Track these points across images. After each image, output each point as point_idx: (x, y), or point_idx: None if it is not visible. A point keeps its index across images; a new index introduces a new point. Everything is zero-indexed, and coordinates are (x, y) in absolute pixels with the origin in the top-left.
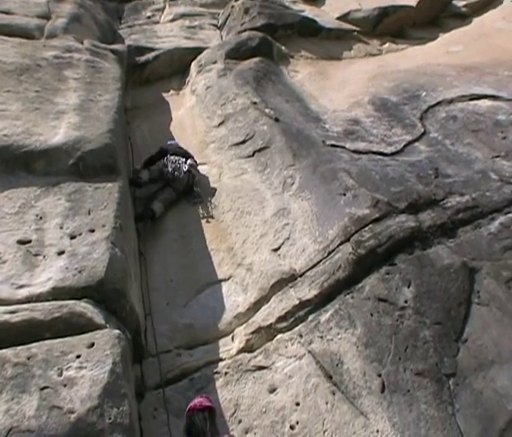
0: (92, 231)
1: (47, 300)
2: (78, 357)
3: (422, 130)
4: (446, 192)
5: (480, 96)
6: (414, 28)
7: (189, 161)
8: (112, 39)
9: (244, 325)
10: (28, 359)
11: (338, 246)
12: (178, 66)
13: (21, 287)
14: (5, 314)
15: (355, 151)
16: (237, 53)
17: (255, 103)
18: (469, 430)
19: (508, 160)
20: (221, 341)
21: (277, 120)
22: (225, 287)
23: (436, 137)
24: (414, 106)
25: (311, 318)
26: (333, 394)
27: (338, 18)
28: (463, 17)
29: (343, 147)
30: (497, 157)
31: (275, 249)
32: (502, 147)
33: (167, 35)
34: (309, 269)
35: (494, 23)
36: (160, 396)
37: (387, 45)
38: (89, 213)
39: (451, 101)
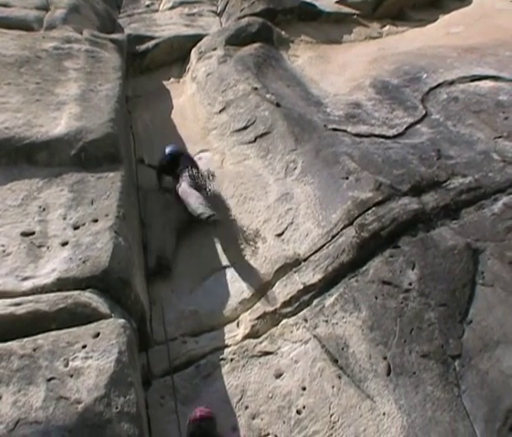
0: (95, 221)
1: (52, 292)
2: (84, 347)
3: (423, 112)
4: (449, 173)
5: (481, 77)
6: (413, 10)
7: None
8: (111, 29)
9: (249, 311)
10: (34, 350)
11: (341, 230)
12: (178, 53)
13: (25, 279)
14: (11, 306)
15: (357, 135)
16: (237, 39)
17: (256, 88)
18: (475, 410)
19: (511, 141)
20: (227, 328)
21: (278, 105)
22: (230, 273)
23: (438, 119)
24: (416, 89)
25: (315, 302)
26: (339, 378)
27: (337, 2)
28: None
29: (345, 131)
30: (500, 137)
31: (279, 234)
32: (504, 127)
33: (166, 22)
34: (313, 254)
35: (494, 3)
36: (167, 384)
37: (387, 27)
38: (92, 203)
39: (452, 82)
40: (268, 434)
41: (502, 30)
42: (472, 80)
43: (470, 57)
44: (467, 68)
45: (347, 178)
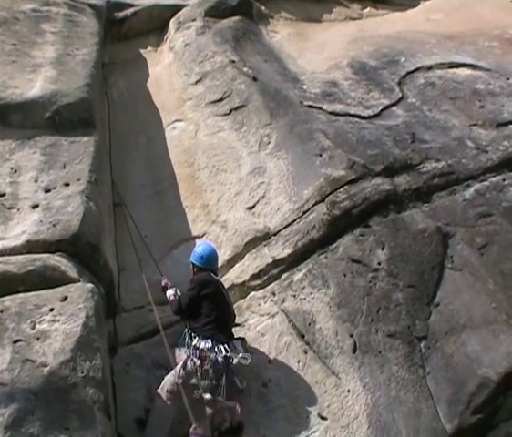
0: (67, 185)
1: (21, 254)
2: (52, 310)
3: (400, 95)
4: (423, 157)
5: (459, 65)
6: None
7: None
8: None
9: None
10: (1, 312)
11: (313, 206)
12: (156, 22)
13: None
14: None
15: (332, 113)
16: (216, 11)
17: (233, 61)
18: (440, 392)
19: (485, 129)
20: None
21: (255, 79)
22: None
23: (414, 103)
24: (393, 71)
25: (284, 276)
26: (305, 353)
27: None
28: None
29: (321, 109)
30: (474, 125)
31: (250, 208)
32: (479, 115)
33: None
34: (283, 228)
35: None
36: (133, 351)
37: (368, 9)
38: (64, 167)
39: (430, 68)
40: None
41: (482, 20)
42: (450, 67)
43: (449, 45)
44: (446, 55)
45: (321, 155)
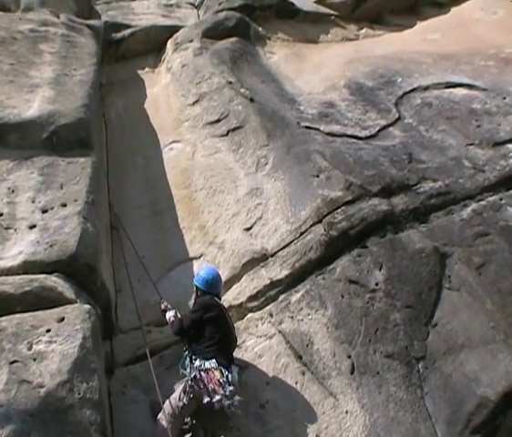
0: (64, 206)
1: (18, 274)
2: (48, 331)
3: (397, 115)
4: (420, 177)
5: (456, 85)
6: (391, 15)
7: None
8: (88, 14)
9: None
10: None
11: (310, 227)
12: (154, 43)
13: None
14: None
15: (330, 134)
16: (214, 32)
17: (231, 82)
18: (438, 413)
19: (482, 148)
20: None
21: (252, 100)
22: (196, 265)
23: (411, 123)
24: (390, 92)
25: (281, 298)
26: (303, 374)
27: (316, 2)
28: (441, 6)
29: (318, 129)
30: (471, 144)
31: (247, 229)
32: (476, 135)
33: (143, 12)
34: (281, 250)
35: (472, 13)
36: (130, 373)
37: (364, 30)
38: (62, 187)
39: (427, 88)
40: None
41: (478, 39)
42: (446, 87)
43: (445, 64)
44: (442, 75)
45: (318, 176)
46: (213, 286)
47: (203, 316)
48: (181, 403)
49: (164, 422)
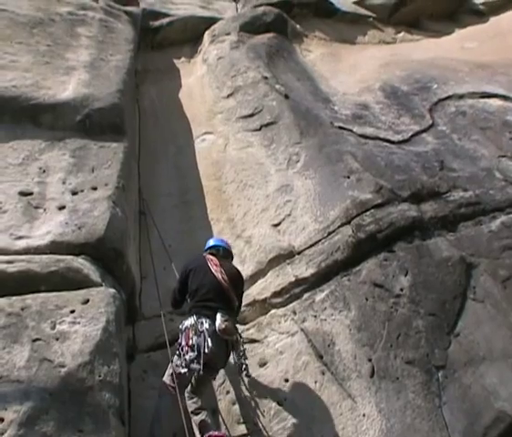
0: (94, 189)
1: (45, 254)
2: (72, 312)
3: (430, 122)
4: (450, 186)
5: (491, 95)
6: (430, 20)
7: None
8: (127, 1)
9: None
10: (22, 309)
11: (338, 227)
12: (191, 33)
13: (20, 238)
14: (2, 264)
15: (362, 135)
16: (251, 27)
17: (266, 78)
18: (455, 423)
19: None
20: None
21: (287, 97)
22: None
23: (444, 131)
24: (425, 98)
25: (306, 296)
26: (323, 374)
27: (355, 2)
28: (480, 15)
29: (351, 131)
30: (504, 156)
31: (275, 225)
32: (509, 147)
33: (182, 2)
34: (307, 248)
35: (510, 24)
36: (150, 359)
37: (402, 34)
38: (93, 171)
39: (461, 96)
40: (246, 422)
41: None
42: (481, 97)
43: (481, 74)
44: (478, 84)
45: (348, 177)
46: (210, 242)
47: (186, 270)
48: (168, 378)
49: (168, 381)
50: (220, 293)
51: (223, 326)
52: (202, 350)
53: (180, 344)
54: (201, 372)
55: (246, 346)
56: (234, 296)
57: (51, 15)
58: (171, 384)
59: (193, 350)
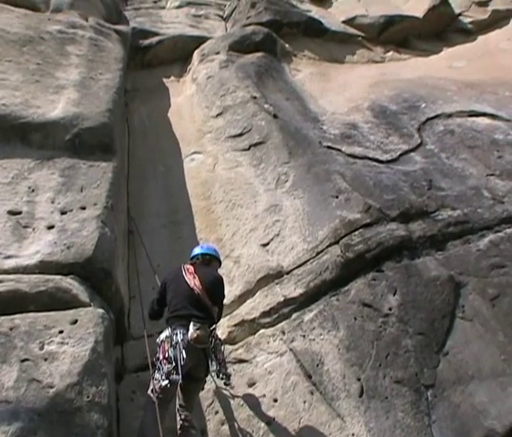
0: (83, 209)
1: (34, 273)
2: (61, 332)
3: (419, 141)
4: (439, 205)
5: (479, 114)
6: (418, 39)
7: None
8: (117, 19)
9: (228, 317)
10: (11, 329)
11: (327, 247)
12: (180, 52)
13: (8, 257)
14: None
15: (351, 155)
16: (240, 46)
17: (255, 97)
18: None
19: (502, 179)
20: None
21: (275, 117)
22: None
23: (433, 150)
24: (413, 117)
25: (294, 316)
26: (312, 394)
27: (344, 22)
28: (468, 34)
29: (339, 150)
30: (492, 175)
31: (264, 245)
32: (497, 165)
33: (172, 21)
34: (296, 268)
35: (498, 42)
36: (139, 379)
37: (391, 53)
38: (82, 190)
39: (450, 115)
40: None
41: (503, 69)
42: (470, 115)
43: (470, 93)
44: (466, 103)
45: (337, 197)
46: (194, 251)
47: (164, 281)
48: (156, 387)
49: (152, 397)
50: (194, 301)
51: (195, 335)
52: (179, 362)
53: (158, 358)
54: (181, 382)
55: (235, 367)
56: (209, 301)
57: (41, 33)
58: (153, 399)
59: (170, 362)
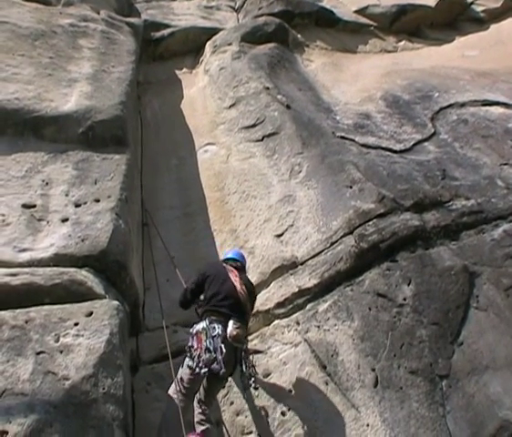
0: (97, 201)
1: (48, 266)
2: (76, 325)
3: (432, 131)
4: (452, 194)
5: (492, 103)
6: (430, 29)
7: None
8: (128, 12)
9: None
10: (26, 322)
11: (341, 237)
12: (192, 44)
13: (23, 250)
14: (6, 276)
15: (364, 145)
16: (252, 37)
17: (268, 88)
18: (459, 432)
19: None
20: None
21: (288, 107)
22: None
23: (446, 139)
24: (426, 107)
25: (309, 306)
26: (326, 384)
27: (356, 11)
28: (480, 22)
29: (353, 140)
30: (506, 164)
31: (278, 235)
32: (511, 154)
33: (183, 13)
34: (310, 258)
35: (511, 31)
36: (154, 371)
37: (403, 42)
38: (96, 183)
39: (463, 105)
40: (251, 432)
41: None
42: (483, 105)
43: (483, 82)
44: (479, 92)
45: (351, 187)
46: (229, 254)
47: (203, 276)
48: (184, 377)
49: (174, 397)
50: (237, 303)
51: (234, 332)
52: (219, 354)
53: (192, 346)
54: (222, 372)
55: (249, 357)
56: (249, 309)
57: (53, 26)
58: (181, 386)
59: (210, 352)
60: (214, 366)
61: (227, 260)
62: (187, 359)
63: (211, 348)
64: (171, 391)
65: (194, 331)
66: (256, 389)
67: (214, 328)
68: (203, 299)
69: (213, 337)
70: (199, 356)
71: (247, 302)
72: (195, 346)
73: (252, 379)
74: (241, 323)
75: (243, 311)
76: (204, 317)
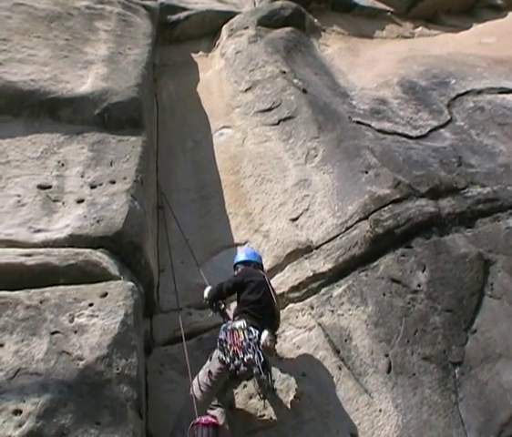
0: (113, 183)
1: (63, 247)
2: (91, 305)
3: (448, 117)
4: (468, 182)
5: (509, 91)
6: (448, 15)
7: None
8: None
9: None
10: (41, 302)
11: (356, 222)
12: (208, 28)
13: (38, 231)
14: (21, 257)
15: (380, 131)
16: (269, 20)
17: (284, 72)
18: (471, 420)
19: None
20: (232, 305)
21: (305, 91)
22: None
23: (462, 126)
24: (443, 93)
25: (323, 291)
26: (340, 369)
27: None
28: (498, 10)
29: (369, 126)
30: None
31: (293, 219)
32: None
33: None
34: (325, 243)
35: None
36: (168, 352)
37: (420, 29)
38: (111, 164)
39: (480, 92)
40: (263, 415)
41: None
42: (500, 92)
43: (500, 69)
44: (496, 80)
45: (367, 173)
46: (252, 255)
47: (244, 279)
48: (212, 370)
49: (196, 393)
50: (272, 315)
51: (268, 343)
52: (258, 358)
53: (226, 341)
54: (262, 377)
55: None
56: (279, 322)
57: (69, 9)
58: (209, 378)
59: (246, 353)
60: (256, 369)
61: (249, 263)
62: (217, 351)
63: (250, 350)
64: (194, 389)
65: (230, 327)
66: (274, 390)
67: (251, 331)
68: (242, 301)
69: (250, 339)
70: (234, 352)
71: (279, 316)
72: (229, 341)
73: (273, 387)
74: (274, 336)
75: (275, 325)
76: (239, 317)
